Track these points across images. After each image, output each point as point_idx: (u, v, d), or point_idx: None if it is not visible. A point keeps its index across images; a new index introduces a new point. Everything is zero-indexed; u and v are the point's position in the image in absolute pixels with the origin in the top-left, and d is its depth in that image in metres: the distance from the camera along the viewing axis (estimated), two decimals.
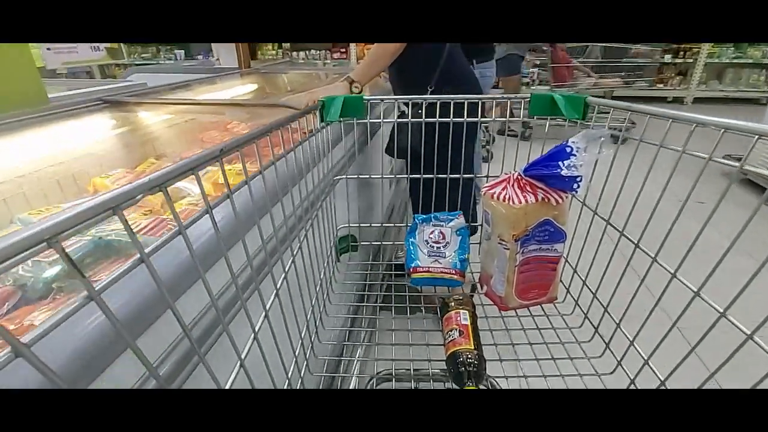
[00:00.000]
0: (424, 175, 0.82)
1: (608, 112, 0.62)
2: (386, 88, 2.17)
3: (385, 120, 0.79)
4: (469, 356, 0.56)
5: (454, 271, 0.76)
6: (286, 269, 0.53)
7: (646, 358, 0.52)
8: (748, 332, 0.37)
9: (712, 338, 0.40)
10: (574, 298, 0.71)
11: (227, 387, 0.38)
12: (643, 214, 0.53)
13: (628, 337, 0.56)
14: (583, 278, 0.68)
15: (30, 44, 1.32)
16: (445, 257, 0.78)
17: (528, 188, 0.61)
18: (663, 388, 0.49)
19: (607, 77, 4.25)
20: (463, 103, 0.75)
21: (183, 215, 0.71)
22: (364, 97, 0.77)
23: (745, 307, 0.39)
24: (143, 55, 6.62)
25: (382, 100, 0.79)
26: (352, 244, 0.87)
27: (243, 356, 0.39)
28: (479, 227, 0.74)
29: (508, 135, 0.76)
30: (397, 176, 1.03)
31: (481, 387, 0.54)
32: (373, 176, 0.88)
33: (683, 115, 0.45)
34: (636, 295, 0.53)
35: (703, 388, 0.39)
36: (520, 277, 0.65)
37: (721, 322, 0.40)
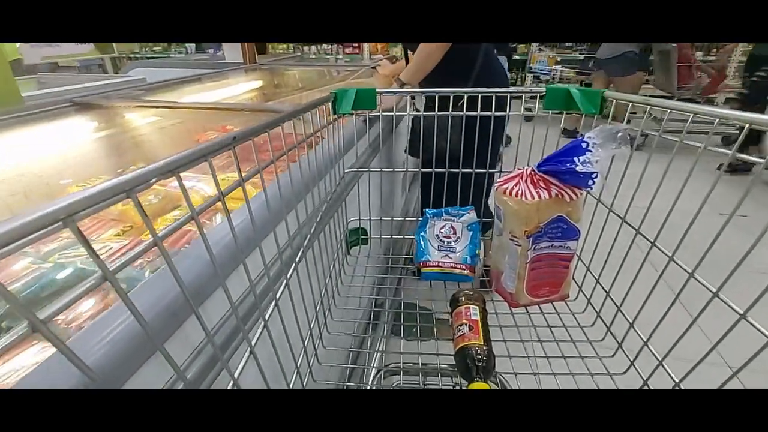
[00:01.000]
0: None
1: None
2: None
3: (398, 113, 0.79)
4: (479, 352, 0.55)
5: (464, 267, 0.76)
6: (297, 261, 0.53)
7: (660, 359, 0.51)
8: None
9: (731, 340, 0.39)
10: (586, 297, 0.69)
11: (237, 374, 0.38)
12: (660, 212, 0.52)
13: (641, 338, 0.55)
14: (597, 276, 0.67)
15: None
16: (455, 252, 0.77)
17: (541, 184, 0.60)
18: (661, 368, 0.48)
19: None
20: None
21: (175, 238, 0.70)
22: (377, 90, 0.77)
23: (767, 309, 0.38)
24: (154, 48, 6.64)
25: (395, 93, 0.79)
26: (363, 237, 0.87)
27: (253, 343, 0.39)
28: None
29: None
30: (410, 170, 1.02)
31: (490, 383, 0.54)
32: (384, 170, 0.87)
33: (705, 110, 0.44)
34: (651, 294, 0.52)
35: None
36: (531, 274, 0.64)
37: (741, 324, 0.38)
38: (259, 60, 2.58)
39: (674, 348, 0.49)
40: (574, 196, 0.59)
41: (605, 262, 0.63)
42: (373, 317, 0.83)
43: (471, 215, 0.79)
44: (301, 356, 0.55)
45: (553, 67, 4.67)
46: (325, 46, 5.95)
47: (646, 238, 0.54)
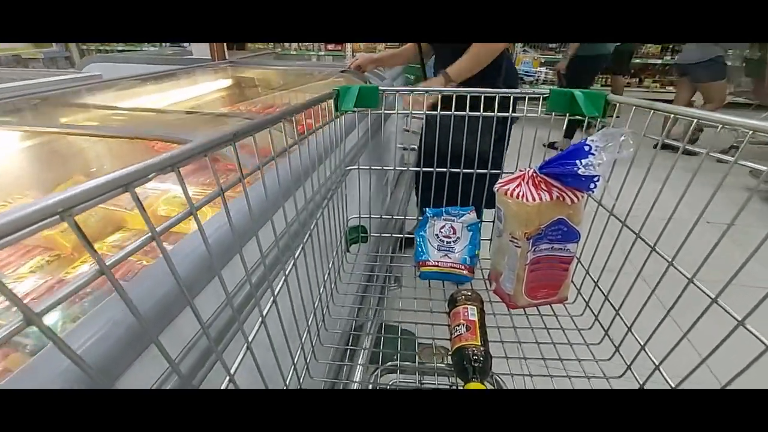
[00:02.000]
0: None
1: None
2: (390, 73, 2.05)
3: (400, 111, 0.79)
4: (476, 352, 0.55)
5: (463, 267, 0.76)
6: (296, 257, 0.53)
7: (657, 363, 0.51)
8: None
9: (728, 347, 0.39)
10: (584, 300, 0.69)
11: (233, 370, 0.38)
12: (660, 217, 0.51)
13: (639, 342, 0.55)
14: (595, 280, 0.67)
15: None
16: (454, 252, 0.77)
17: (543, 186, 0.59)
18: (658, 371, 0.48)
19: None
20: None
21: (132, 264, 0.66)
22: (379, 88, 0.77)
23: (765, 316, 0.38)
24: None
25: (397, 91, 0.79)
26: (362, 235, 0.87)
27: (250, 339, 0.39)
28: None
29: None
30: (411, 168, 1.02)
31: (486, 383, 0.54)
32: (386, 168, 0.87)
33: (709, 116, 0.44)
34: (649, 299, 0.52)
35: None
36: (530, 275, 0.64)
37: (739, 331, 0.38)
38: (230, 56, 2.33)
39: (671, 353, 0.49)
40: (575, 199, 0.59)
41: (604, 265, 0.63)
42: (372, 314, 0.83)
43: (471, 215, 0.79)
44: (299, 352, 0.56)
45: (538, 69, 4.63)
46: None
47: (646, 243, 0.54)
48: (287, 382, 0.50)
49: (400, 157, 2.27)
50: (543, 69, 4.67)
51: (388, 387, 0.65)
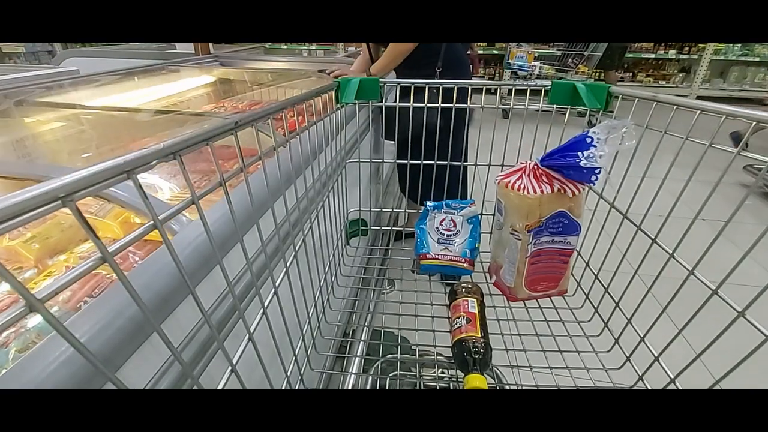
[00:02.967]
0: (438, 162, 0.81)
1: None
2: None
3: (400, 104, 0.78)
4: (476, 344, 0.55)
5: (463, 260, 0.76)
6: (296, 249, 0.53)
7: (656, 354, 0.51)
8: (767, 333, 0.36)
9: (728, 337, 0.39)
10: (584, 292, 0.70)
11: (235, 360, 0.38)
12: (661, 209, 0.51)
13: (638, 333, 0.55)
14: (596, 272, 0.67)
15: None
16: (454, 245, 0.77)
17: (544, 178, 0.59)
18: (672, 387, 0.48)
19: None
20: (467, 88, 0.75)
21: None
22: (380, 80, 0.76)
23: (763, 308, 0.38)
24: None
25: (398, 84, 0.78)
26: (362, 228, 0.86)
27: (252, 330, 0.39)
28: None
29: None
30: (411, 162, 1.01)
31: (486, 375, 0.54)
32: (386, 161, 0.87)
33: (712, 107, 0.44)
34: (650, 291, 0.52)
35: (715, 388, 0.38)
36: (531, 268, 0.64)
37: (739, 322, 0.38)
38: (214, 50, 2.25)
39: (670, 345, 0.49)
40: (576, 191, 0.59)
41: (604, 258, 0.63)
42: (372, 307, 0.83)
43: (471, 208, 0.79)
44: (299, 344, 0.56)
45: (532, 63, 4.59)
46: None
47: (647, 235, 0.54)
48: (288, 373, 0.50)
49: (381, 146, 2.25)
50: (537, 63, 4.62)
51: (387, 378, 0.66)
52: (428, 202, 0.80)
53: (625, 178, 0.57)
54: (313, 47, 5.23)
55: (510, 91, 0.76)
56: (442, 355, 0.68)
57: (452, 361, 0.58)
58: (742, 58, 5.18)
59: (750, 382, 0.36)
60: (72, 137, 1.07)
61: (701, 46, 5.13)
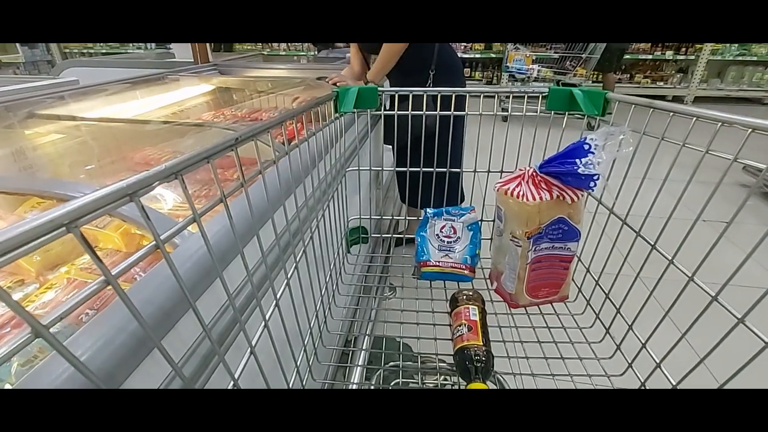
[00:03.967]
0: (437, 169, 0.82)
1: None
2: None
3: (399, 112, 0.79)
4: (477, 352, 0.55)
5: (464, 267, 0.76)
6: (297, 260, 0.53)
7: (658, 361, 0.51)
8: (767, 340, 0.36)
9: (731, 340, 0.39)
10: (585, 298, 0.70)
11: (237, 374, 0.39)
12: (661, 211, 0.52)
13: (640, 339, 0.55)
14: (596, 278, 0.67)
15: None
16: (455, 252, 0.77)
17: (543, 185, 0.60)
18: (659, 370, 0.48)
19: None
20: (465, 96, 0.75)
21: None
22: (378, 89, 0.77)
23: (763, 314, 0.38)
24: (110, 43, 5.88)
25: (396, 92, 0.78)
26: (363, 236, 0.87)
27: (254, 343, 0.39)
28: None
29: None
30: (410, 169, 1.02)
31: (489, 383, 0.54)
32: (386, 168, 0.87)
33: (708, 114, 0.44)
34: (650, 296, 0.52)
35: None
36: (531, 275, 0.64)
37: (739, 328, 0.39)
38: (214, 58, 2.23)
39: (672, 351, 0.49)
40: (575, 198, 0.59)
41: (605, 264, 0.63)
42: (373, 315, 0.83)
43: (471, 215, 0.79)
44: (301, 354, 0.56)
45: (530, 66, 4.61)
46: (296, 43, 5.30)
47: (647, 241, 0.55)
48: (290, 384, 0.50)
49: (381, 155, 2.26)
50: (535, 66, 4.63)
51: (390, 387, 0.65)
52: (428, 210, 0.81)
53: (623, 184, 0.57)
54: (312, 53, 5.23)
55: (509, 95, 0.77)
56: (444, 362, 0.68)
57: (454, 368, 0.58)
58: (739, 58, 5.18)
59: (752, 385, 0.37)
60: (73, 149, 1.08)
61: (698, 46, 5.13)
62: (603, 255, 0.64)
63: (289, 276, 0.50)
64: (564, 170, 0.57)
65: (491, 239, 0.74)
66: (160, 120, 1.25)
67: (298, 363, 0.54)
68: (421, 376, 0.66)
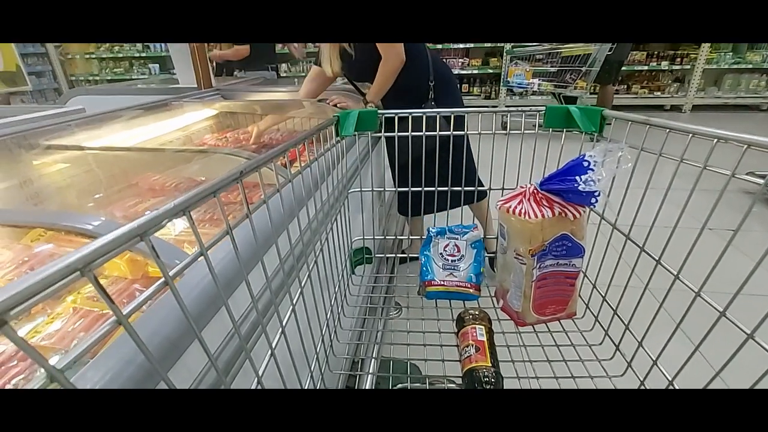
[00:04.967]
0: (439, 188, 0.82)
1: None
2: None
3: (399, 134, 0.80)
4: (486, 374, 0.55)
5: (469, 285, 0.76)
6: (302, 285, 0.53)
7: (670, 378, 0.50)
8: None
9: (744, 353, 0.39)
10: (593, 315, 0.69)
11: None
12: (665, 221, 0.52)
13: (651, 357, 0.54)
14: (603, 294, 0.67)
15: None
16: (459, 270, 0.77)
17: (544, 202, 0.60)
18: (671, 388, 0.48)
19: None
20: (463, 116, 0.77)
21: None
22: (378, 112, 0.78)
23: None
24: (115, 70, 6.07)
25: (396, 114, 0.80)
26: (367, 256, 0.87)
27: (261, 373, 0.39)
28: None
29: None
30: (412, 189, 1.03)
31: None
32: (388, 189, 0.88)
33: (704, 130, 0.45)
34: (659, 311, 0.52)
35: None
36: (537, 292, 0.64)
37: (749, 344, 0.38)
38: (216, 83, 2.28)
39: (684, 367, 0.48)
40: (577, 214, 0.59)
41: (611, 279, 0.63)
42: (379, 338, 0.83)
43: (474, 233, 0.79)
44: (308, 381, 0.55)
45: (531, 81, 4.66)
46: (300, 64, 5.48)
47: (651, 256, 0.54)
48: None
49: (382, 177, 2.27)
50: (536, 80, 4.68)
51: None
52: (431, 228, 0.81)
53: (624, 199, 0.57)
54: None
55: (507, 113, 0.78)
56: (453, 383, 0.67)
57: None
58: (735, 66, 5.23)
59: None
60: (80, 177, 1.10)
61: (693, 56, 5.19)
62: (609, 269, 0.63)
63: (294, 301, 0.50)
64: (565, 187, 0.57)
65: (495, 257, 0.74)
66: (165, 146, 1.27)
67: (305, 387, 0.53)
68: None
